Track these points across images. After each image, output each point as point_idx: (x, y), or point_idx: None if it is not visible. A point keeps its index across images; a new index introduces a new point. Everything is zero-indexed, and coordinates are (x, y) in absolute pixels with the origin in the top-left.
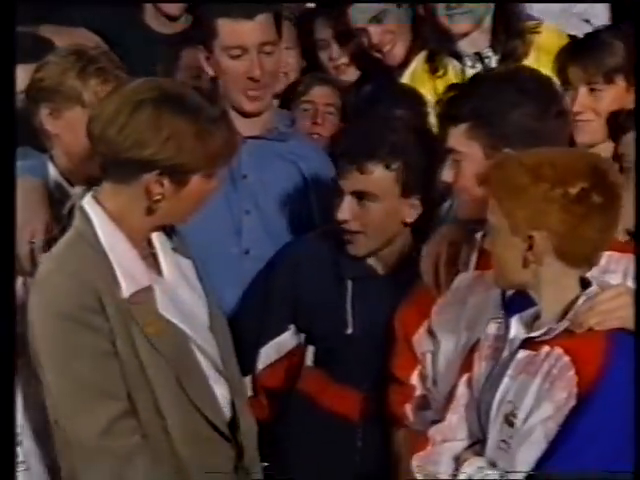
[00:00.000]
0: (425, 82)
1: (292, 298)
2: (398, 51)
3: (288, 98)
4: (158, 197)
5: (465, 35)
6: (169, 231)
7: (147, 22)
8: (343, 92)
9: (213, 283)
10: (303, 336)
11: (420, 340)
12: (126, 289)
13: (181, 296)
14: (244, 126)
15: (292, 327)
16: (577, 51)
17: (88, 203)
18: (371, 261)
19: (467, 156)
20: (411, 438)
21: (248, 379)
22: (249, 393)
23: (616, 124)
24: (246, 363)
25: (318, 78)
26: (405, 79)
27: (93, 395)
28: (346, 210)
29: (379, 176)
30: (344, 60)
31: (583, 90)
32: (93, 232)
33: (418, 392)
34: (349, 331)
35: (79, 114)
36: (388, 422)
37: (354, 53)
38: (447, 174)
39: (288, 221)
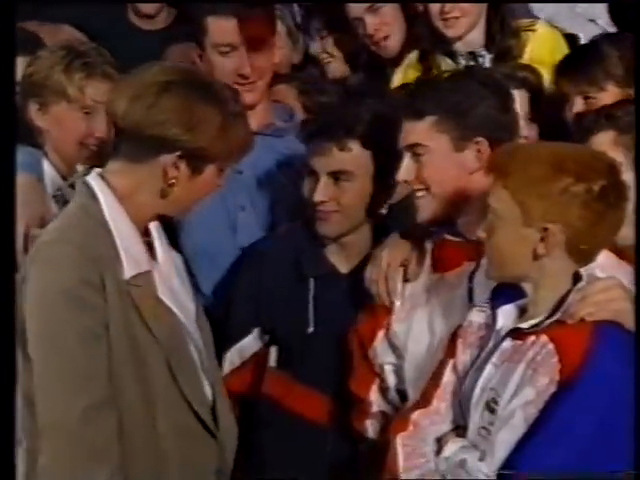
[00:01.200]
0: None
1: (255, 297)
2: (393, 44)
3: None
4: (173, 181)
5: (460, 38)
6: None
7: (131, 20)
8: (301, 91)
9: (208, 279)
10: (267, 338)
11: (377, 352)
12: (128, 271)
13: (174, 285)
14: None
15: (255, 330)
16: (567, 65)
17: (94, 179)
18: (333, 259)
19: (433, 150)
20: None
21: None
22: None
23: (580, 126)
24: None
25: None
26: (397, 77)
27: (77, 378)
28: (323, 191)
29: (357, 154)
30: (336, 54)
31: (578, 100)
32: (98, 208)
33: (375, 408)
34: (310, 330)
35: (65, 109)
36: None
37: (346, 46)
38: (406, 172)
39: (283, 217)
